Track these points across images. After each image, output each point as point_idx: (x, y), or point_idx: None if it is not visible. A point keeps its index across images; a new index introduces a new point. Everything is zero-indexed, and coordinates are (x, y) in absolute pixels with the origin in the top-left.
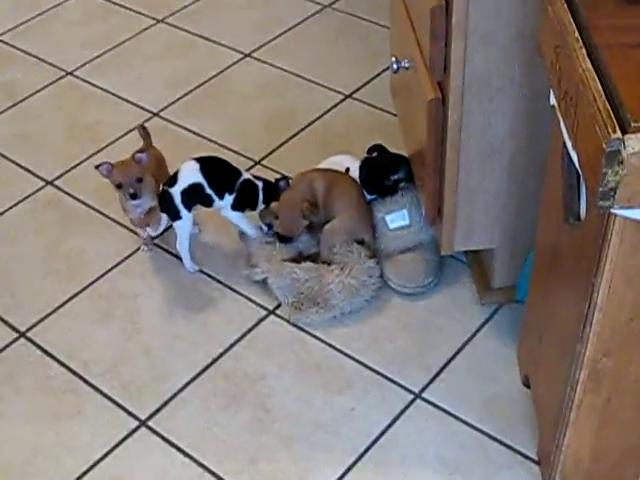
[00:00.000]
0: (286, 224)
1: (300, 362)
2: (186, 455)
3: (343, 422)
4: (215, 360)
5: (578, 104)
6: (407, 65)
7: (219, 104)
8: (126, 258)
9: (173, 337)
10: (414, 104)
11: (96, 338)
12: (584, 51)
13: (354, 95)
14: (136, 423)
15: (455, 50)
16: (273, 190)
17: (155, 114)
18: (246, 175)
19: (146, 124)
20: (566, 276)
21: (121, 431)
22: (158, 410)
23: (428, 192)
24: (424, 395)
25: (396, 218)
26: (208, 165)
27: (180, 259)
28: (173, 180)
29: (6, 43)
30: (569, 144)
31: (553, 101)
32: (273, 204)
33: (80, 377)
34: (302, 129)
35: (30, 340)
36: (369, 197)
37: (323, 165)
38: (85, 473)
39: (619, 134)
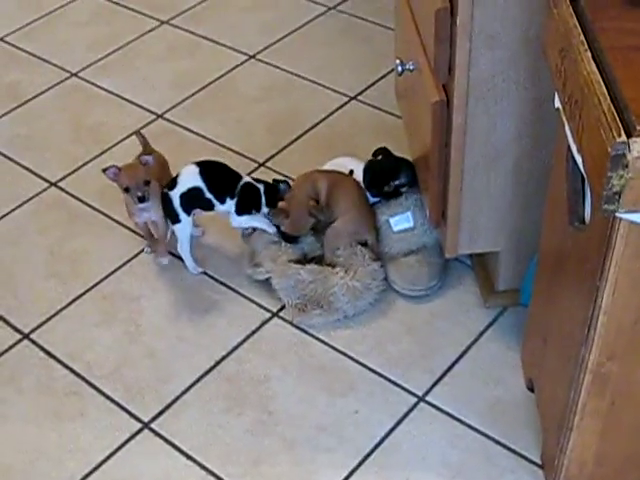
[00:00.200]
0: (294, 223)
1: (303, 364)
2: (189, 458)
3: (346, 425)
4: (218, 362)
5: (583, 107)
6: (412, 67)
7: (223, 106)
8: (129, 260)
9: (176, 339)
10: (418, 106)
11: (99, 340)
12: (589, 54)
13: (359, 97)
14: (139, 425)
15: (460, 53)
16: (275, 192)
17: (159, 116)
18: (246, 179)
19: (150, 126)
20: (570, 279)
21: (124, 433)
22: (161, 412)
23: (432, 195)
24: (428, 398)
25: (400, 221)
26: (208, 169)
27: (183, 261)
28: (173, 183)
29: (11, 44)
30: (574, 147)
31: (558, 104)
32: (280, 204)
33: (83, 379)
34: (306, 131)
35: (33, 342)
36: (373, 199)
37: (326, 167)
38: (87, 475)
39: (624, 138)
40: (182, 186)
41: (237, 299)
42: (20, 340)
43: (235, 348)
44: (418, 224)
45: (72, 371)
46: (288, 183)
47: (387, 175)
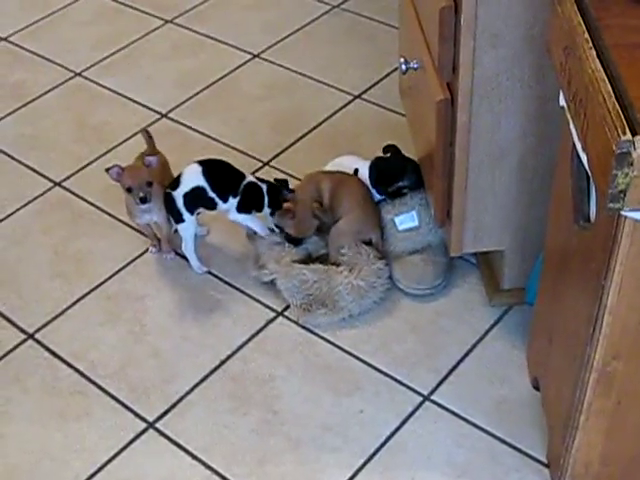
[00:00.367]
0: (299, 226)
1: (308, 364)
2: (194, 457)
3: (351, 424)
4: (223, 362)
5: (588, 105)
6: (416, 66)
7: (227, 105)
8: (134, 259)
9: (181, 339)
10: (423, 105)
11: (104, 340)
12: (594, 52)
13: (363, 96)
14: (144, 425)
15: (464, 51)
16: (277, 192)
17: (163, 115)
18: (250, 178)
19: (154, 125)
20: (576, 278)
21: (129, 433)
22: (166, 412)
23: (437, 193)
24: (433, 397)
25: (405, 220)
26: (211, 168)
27: (188, 260)
28: (176, 183)
29: (15, 44)
30: (579, 145)
31: (562, 102)
32: (285, 205)
33: (88, 379)
34: (311, 130)
35: (38, 342)
36: (378, 197)
37: (329, 167)
38: (93, 475)
39: (629, 136)
40: (185, 186)
41: (242, 298)
42: (25, 340)
43: (240, 348)
44: (423, 223)
45: (77, 371)
46: (287, 182)
47: (391, 176)
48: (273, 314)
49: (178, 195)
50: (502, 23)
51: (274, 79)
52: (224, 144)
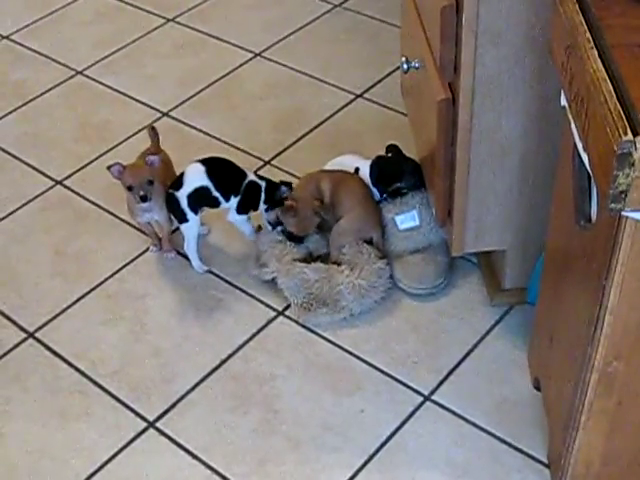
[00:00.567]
0: (300, 223)
1: (309, 363)
2: (194, 457)
3: (352, 424)
4: (224, 361)
5: (589, 105)
6: (417, 65)
7: (229, 104)
8: (135, 258)
9: (182, 338)
10: (424, 104)
11: (104, 339)
12: (595, 52)
13: (365, 95)
14: (144, 424)
15: (465, 50)
16: (274, 190)
17: (165, 114)
18: (251, 176)
19: (156, 124)
20: (577, 278)
21: (129, 432)
22: (166, 411)
23: (438, 193)
24: (434, 397)
25: (406, 219)
26: (214, 167)
27: (189, 259)
28: (179, 183)
29: (17, 42)
30: (580, 145)
31: (564, 102)
32: (287, 202)
33: (88, 378)
34: (312, 129)
35: (38, 340)
36: (379, 197)
37: (329, 166)
38: (93, 474)
39: (630, 136)
40: (189, 186)
41: (243, 298)
42: (25, 339)
43: (241, 347)
44: (424, 222)
45: (77, 370)
46: (286, 184)
47: (390, 176)
48: (274, 313)
49: (182, 195)
50: (504, 22)
51: (276, 78)
52: (225, 143)
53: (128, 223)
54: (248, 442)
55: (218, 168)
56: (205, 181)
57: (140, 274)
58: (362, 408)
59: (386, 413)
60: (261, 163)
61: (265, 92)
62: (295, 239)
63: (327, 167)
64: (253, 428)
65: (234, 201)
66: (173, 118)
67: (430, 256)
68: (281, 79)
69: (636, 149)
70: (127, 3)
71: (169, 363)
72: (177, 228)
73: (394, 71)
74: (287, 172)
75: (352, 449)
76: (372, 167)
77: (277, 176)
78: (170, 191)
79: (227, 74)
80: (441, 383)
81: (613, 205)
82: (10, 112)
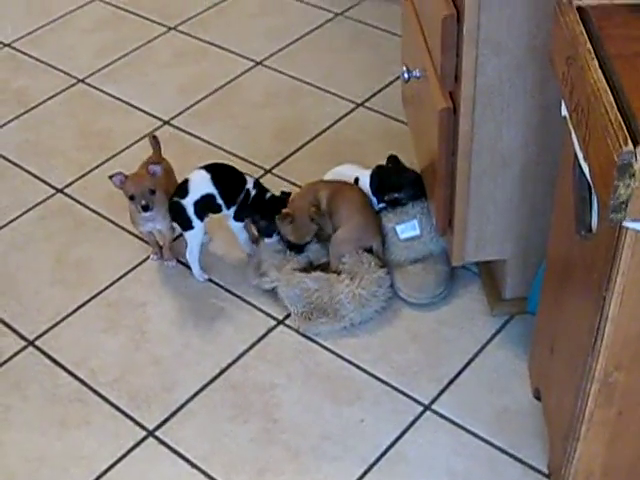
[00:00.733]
0: (297, 231)
1: (309, 373)
2: (193, 466)
3: (352, 433)
4: (224, 370)
5: (589, 116)
6: (418, 74)
7: (230, 112)
8: (135, 267)
9: (182, 346)
10: (425, 114)
11: (104, 347)
12: (596, 62)
13: (366, 104)
14: (144, 433)
15: (466, 60)
16: (264, 194)
17: (166, 122)
18: (249, 183)
19: (157, 132)
20: (577, 288)
21: (128, 441)
22: (166, 420)
23: (439, 202)
24: (434, 407)
25: (407, 228)
26: (218, 174)
27: (189, 268)
28: (184, 191)
29: (18, 50)
30: (580, 156)
31: (565, 112)
32: (284, 210)
33: (88, 386)
34: (313, 138)
35: (38, 349)
36: (379, 206)
37: (329, 176)
38: None
39: (631, 147)
40: (195, 194)
41: (243, 306)
42: (25, 347)
43: (241, 356)
44: (425, 232)
45: (77, 378)
46: (286, 194)
47: (390, 186)
48: (274, 322)
49: (188, 203)
50: (505, 32)
51: (277, 87)
52: (226, 151)
53: (129, 231)
54: (248, 451)
55: (222, 175)
56: (211, 189)
57: (141, 282)
58: (362, 418)
59: (386, 423)
60: (262, 172)
61: (266, 101)
62: (295, 248)
63: (326, 177)
64: (253, 437)
65: (232, 209)
66: (174, 126)
67: (430, 265)
68: (282, 88)
69: (636, 160)
70: (128, 11)
71: (169, 372)
72: (178, 236)
73: (395, 80)
74: (288, 181)
75: (352, 459)
76: (372, 177)
77: (278, 185)
78: (175, 199)
79: (228, 82)
80: (441, 393)
81: (613, 215)
82: (11, 120)
